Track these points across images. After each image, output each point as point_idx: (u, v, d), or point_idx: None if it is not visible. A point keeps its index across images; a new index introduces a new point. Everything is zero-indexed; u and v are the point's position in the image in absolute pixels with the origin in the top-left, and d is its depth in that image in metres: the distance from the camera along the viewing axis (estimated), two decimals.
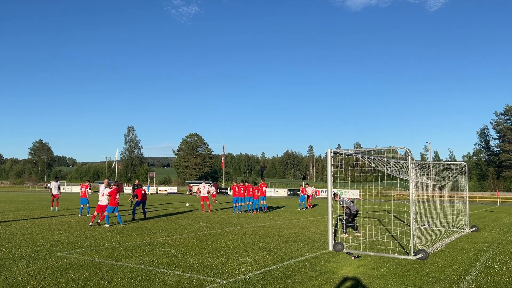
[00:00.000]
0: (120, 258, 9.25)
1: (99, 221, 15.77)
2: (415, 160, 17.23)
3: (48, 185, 24.27)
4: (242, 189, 22.66)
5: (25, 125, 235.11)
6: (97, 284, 6.93)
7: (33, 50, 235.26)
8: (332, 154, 10.81)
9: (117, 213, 15.84)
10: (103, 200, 15.92)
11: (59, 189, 23.20)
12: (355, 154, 11.31)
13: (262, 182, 24.72)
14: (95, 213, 16.05)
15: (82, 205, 20.42)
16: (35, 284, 6.86)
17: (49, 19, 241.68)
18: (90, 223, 15.75)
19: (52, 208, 23.31)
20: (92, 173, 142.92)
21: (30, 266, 8.27)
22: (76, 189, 71.23)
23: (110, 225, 15.44)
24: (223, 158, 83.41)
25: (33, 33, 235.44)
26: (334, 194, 13.70)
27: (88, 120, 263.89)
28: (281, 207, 29.69)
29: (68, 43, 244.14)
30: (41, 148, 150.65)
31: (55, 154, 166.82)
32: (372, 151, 11.51)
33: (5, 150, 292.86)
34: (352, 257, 9.66)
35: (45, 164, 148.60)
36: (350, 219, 13.16)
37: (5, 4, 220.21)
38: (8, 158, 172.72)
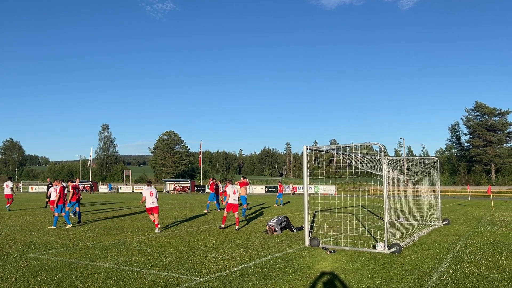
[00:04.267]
0: (94, 258, 9.09)
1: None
2: (389, 156, 17.56)
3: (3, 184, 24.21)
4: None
5: None
6: (71, 285, 6.80)
7: (3, 48, 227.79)
8: (308, 150, 10.90)
9: (63, 213, 15.23)
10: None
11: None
12: (330, 151, 11.43)
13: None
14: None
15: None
16: (5, 286, 6.67)
17: (19, 16, 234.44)
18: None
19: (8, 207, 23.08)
20: (66, 172, 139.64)
21: (0, 268, 8.03)
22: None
23: (73, 225, 15.11)
24: (200, 156, 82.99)
25: (3, 30, 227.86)
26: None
27: (61, 118, 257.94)
28: (260, 205, 29.78)
29: (39, 41, 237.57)
30: (11, 147, 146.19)
31: (26, 153, 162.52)
32: (348, 147, 11.66)
33: None
34: (328, 252, 9.78)
35: (16, 163, 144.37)
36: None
37: None
38: None
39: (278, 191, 30.52)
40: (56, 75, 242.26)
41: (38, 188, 75.00)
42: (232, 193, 14.65)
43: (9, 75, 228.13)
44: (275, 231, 13.10)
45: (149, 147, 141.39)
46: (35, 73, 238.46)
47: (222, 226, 14.60)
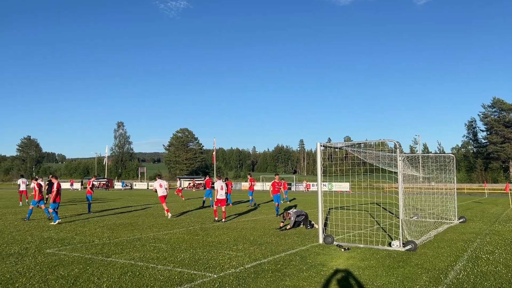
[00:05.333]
0: (110, 254, 9.21)
1: None
2: (404, 153, 17.38)
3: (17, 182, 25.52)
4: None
5: (13, 121, 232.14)
6: (87, 280, 6.90)
7: (20, 46, 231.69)
8: (322, 147, 10.85)
9: (43, 206, 15.92)
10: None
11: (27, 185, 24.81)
12: (344, 148, 11.36)
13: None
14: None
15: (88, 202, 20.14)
16: (24, 281, 6.81)
17: (35, 15, 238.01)
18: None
19: (21, 203, 24.39)
20: (82, 169, 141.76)
21: (18, 263, 8.20)
22: (66, 185, 70.63)
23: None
24: (214, 153, 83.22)
25: (20, 29, 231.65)
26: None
27: (77, 116, 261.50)
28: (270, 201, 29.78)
29: (56, 39, 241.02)
30: (29, 144, 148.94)
31: (44, 151, 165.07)
32: (362, 144, 11.57)
33: None
34: (342, 250, 9.73)
35: (33, 160, 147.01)
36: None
37: None
38: None
39: (283, 188, 30.09)
40: (72, 73, 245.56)
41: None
42: (220, 188, 15.80)
43: (26, 74, 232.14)
44: (290, 219, 13.28)
45: (163, 144, 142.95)
46: (52, 71, 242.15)
47: (216, 218, 16.00)
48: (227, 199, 23.75)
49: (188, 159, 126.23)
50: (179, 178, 45.12)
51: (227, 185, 23.80)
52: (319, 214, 11.03)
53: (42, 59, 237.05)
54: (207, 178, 26.15)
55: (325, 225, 12.48)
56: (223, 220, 15.69)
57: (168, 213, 16.94)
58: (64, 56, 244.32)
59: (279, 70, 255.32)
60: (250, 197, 24.96)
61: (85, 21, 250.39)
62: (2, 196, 40.28)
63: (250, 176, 26.96)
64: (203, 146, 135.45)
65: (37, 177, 17.97)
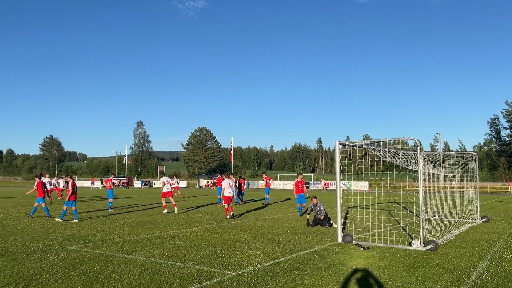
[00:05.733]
0: (130, 251, 9.35)
1: None
2: (425, 151, 17.09)
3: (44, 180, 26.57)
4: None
5: (36, 121, 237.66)
6: (108, 277, 7.02)
7: (42, 47, 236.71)
8: (341, 146, 10.76)
9: (43, 204, 16.16)
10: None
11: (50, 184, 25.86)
12: (363, 146, 11.24)
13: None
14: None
15: (110, 199, 20.52)
16: (47, 277, 6.96)
17: (54, 14, 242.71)
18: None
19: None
20: (102, 168, 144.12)
21: (42, 259, 8.39)
22: (87, 183, 71.94)
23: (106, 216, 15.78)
24: (232, 152, 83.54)
25: (40, 29, 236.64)
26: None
27: (97, 115, 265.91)
28: (288, 200, 29.72)
29: (76, 39, 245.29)
30: (51, 143, 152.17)
31: (65, 150, 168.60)
32: (381, 143, 11.42)
33: (17, 146, 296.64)
34: (361, 249, 9.64)
35: (56, 159, 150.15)
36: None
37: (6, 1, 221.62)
38: (20, 154, 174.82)
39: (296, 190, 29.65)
40: (93, 73, 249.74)
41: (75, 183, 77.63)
42: (227, 186, 16.52)
43: (49, 74, 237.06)
44: (318, 204, 13.68)
45: (182, 143, 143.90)
46: (73, 72, 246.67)
47: (227, 217, 16.18)
48: (241, 197, 24.33)
49: (206, 157, 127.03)
50: (198, 177, 45.43)
51: (240, 183, 24.37)
52: (338, 213, 10.95)
53: (64, 59, 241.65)
54: (218, 176, 26.39)
55: (344, 224, 12.40)
56: (227, 217, 16.16)
57: (175, 207, 18.84)
58: (87, 57, 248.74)
59: (297, 68, 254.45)
60: (266, 195, 24.93)
61: (105, 21, 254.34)
62: (25, 194, 41.21)
63: (266, 175, 27.10)
64: (221, 145, 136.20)
65: (41, 174, 18.50)
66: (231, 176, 24.09)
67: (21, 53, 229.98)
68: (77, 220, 15.21)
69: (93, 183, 68.36)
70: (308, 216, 14.19)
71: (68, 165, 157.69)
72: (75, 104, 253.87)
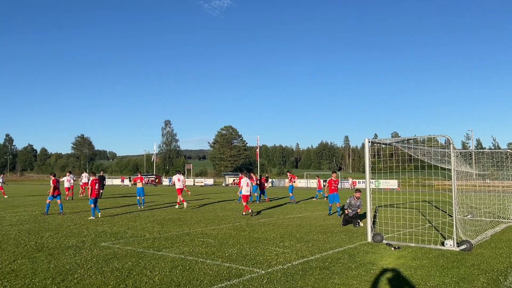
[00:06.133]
0: (161, 248, 9.50)
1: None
2: (457, 149, 16.62)
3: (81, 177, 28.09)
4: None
5: (68, 121, 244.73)
6: (140, 273, 7.15)
7: (73, 48, 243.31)
8: (370, 143, 10.59)
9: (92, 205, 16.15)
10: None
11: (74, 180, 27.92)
12: (393, 144, 11.02)
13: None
14: None
15: (139, 197, 20.98)
16: (82, 272, 7.16)
17: (85, 13, 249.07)
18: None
19: (67, 198, 26.23)
20: (131, 166, 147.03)
21: (76, 255, 8.64)
22: (117, 181, 73.57)
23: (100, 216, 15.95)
24: (258, 150, 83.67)
25: (72, 29, 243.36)
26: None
27: (127, 115, 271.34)
28: (312, 198, 29.51)
29: (105, 39, 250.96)
30: (83, 142, 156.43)
31: (96, 148, 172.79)
32: (412, 140, 11.17)
33: (50, 145, 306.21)
34: (392, 248, 9.47)
35: (87, 158, 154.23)
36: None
37: None
38: (53, 153, 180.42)
39: (318, 186, 29.52)
40: (121, 73, 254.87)
41: (106, 181, 79.58)
42: (245, 185, 17.10)
43: (80, 75, 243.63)
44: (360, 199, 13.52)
45: (208, 142, 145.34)
46: (103, 72, 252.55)
47: (244, 213, 16.85)
48: (263, 196, 24.89)
49: (233, 156, 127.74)
50: (225, 175, 45.79)
51: (261, 181, 24.78)
52: (368, 212, 10.79)
53: (94, 59, 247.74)
54: (240, 175, 26.64)
55: (373, 223, 12.20)
56: (244, 213, 16.81)
57: (184, 203, 20.28)
58: (116, 57, 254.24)
59: (323, 65, 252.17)
60: (290, 194, 24.87)
61: (132, 21, 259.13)
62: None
63: (290, 173, 27.12)
64: (246, 143, 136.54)
65: (54, 173, 19.06)
66: (251, 174, 24.41)
67: (51, 54, 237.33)
68: (93, 218, 15.60)
69: (122, 181, 69.82)
70: (346, 211, 13.90)
71: (99, 164, 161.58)
72: (105, 104, 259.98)
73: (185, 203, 20.31)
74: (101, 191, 29.38)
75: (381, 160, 12.71)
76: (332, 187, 16.89)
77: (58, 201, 17.22)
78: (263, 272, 7.27)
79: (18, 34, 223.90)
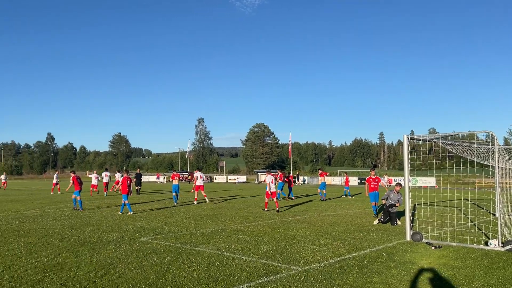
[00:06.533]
0: (198, 243, 9.64)
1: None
2: (500, 145, 15.93)
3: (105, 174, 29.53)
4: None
5: (105, 119, 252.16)
6: (179, 268, 7.28)
7: (109, 48, 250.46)
8: (409, 140, 10.31)
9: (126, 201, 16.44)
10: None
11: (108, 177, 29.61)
12: (434, 140, 10.68)
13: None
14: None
15: (175, 193, 21.46)
16: (123, 266, 7.37)
17: (113, 11, 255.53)
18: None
19: (105, 193, 28.29)
20: (166, 164, 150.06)
21: (117, 250, 8.90)
22: (153, 178, 75.28)
23: (133, 213, 16.33)
24: (290, 147, 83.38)
25: (106, 29, 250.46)
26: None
27: (161, 113, 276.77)
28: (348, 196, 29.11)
29: (138, 38, 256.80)
30: (119, 140, 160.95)
31: (132, 146, 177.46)
32: (453, 136, 10.78)
33: (89, 143, 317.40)
34: (432, 248, 9.21)
35: (123, 155, 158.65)
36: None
37: None
38: (91, 151, 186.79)
39: (345, 183, 29.06)
40: (156, 72, 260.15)
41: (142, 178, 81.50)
42: (271, 182, 17.64)
43: (115, 75, 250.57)
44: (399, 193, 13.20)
45: (240, 139, 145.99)
46: (139, 72, 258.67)
47: (265, 209, 17.45)
48: (290, 193, 25.25)
49: (265, 153, 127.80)
50: (257, 172, 45.97)
51: (289, 179, 25.87)
52: (407, 210, 10.53)
53: (129, 59, 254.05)
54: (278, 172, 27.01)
55: (412, 221, 11.90)
56: (277, 209, 17.25)
57: (206, 197, 21.67)
58: (150, 57, 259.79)
59: (356, 61, 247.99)
60: (320, 191, 24.67)
61: (163, 19, 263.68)
62: (98, 188, 43.86)
63: (321, 170, 26.96)
64: (279, 140, 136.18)
65: (74, 170, 20.43)
66: (278, 172, 24.78)
67: (91, 56, 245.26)
68: (131, 213, 16.14)
69: (158, 178, 71.38)
70: (383, 201, 13.66)
71: (135, 161, 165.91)
72: (141, 103, 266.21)
73: (207, 198, 21.72)
74: (138, 188, 30.31)
75: (419, 157, 12.37)
76: (372, 185, 15.94)
77: (78, 197, 17.78)
78: (299, 269, 7.23)
79: (52, 33, 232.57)
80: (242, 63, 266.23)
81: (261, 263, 7.69)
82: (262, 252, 8.70)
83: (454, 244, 9.61)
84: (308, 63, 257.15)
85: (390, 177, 54.83)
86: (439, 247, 9.29)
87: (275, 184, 18.06)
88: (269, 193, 17.58)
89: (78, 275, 6.78)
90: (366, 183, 16.21)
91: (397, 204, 13.14)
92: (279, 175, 24.69)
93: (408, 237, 10.23)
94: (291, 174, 28.78)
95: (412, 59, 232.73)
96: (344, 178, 29.86)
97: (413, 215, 14.90)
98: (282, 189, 24.28)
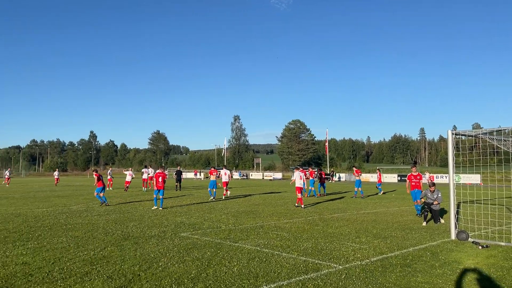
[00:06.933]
0: (237, 239, 9.72)
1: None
2: None
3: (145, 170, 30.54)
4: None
5: (145, 117, 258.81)
6: (219, 263, 7.37)
7: (150, 49, 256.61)
8: (454, 136, 9.93)
9: (161, 196, 16.85)
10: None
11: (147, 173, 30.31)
12: (481, 135, 10.23)
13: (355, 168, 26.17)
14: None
15: (210, 189, 22.19)
16: (165, 261, 7.54)
17: (158, 7, 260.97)
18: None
19: (144, 189, 29.38)
20: (203, 160, 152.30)
21: (159, 244, 9.12)
22: (190, 175, 76.59)
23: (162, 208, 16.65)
24: (327, 144, 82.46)
25: (146, 27, 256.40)
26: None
27: (198, 111, 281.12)
28: (388, 192, 28.42)
29: (180, 37, 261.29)
30: (158, 138, 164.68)
31: (170, 143, 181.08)
32: (501, 131, 10.28)
33: (129, 141, 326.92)
34: (479, 247, 8.84)
35: (162, 152, 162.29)
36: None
37: None
38: (132, 148, 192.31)
39: (378, 180, 28.32)
40: (192, 69, 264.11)
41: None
42: (298, 178, 17.97)
43: (153, 74, 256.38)
44: (436, 191, 12.74)
45: (276, 136, 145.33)
46: (174, 70, 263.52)
47: (296, 204, 17.90)
48: (323, 189, 25.61)
49: (300, 150, 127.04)
50: (292, 169, 45.87)
51: (321, 175, 26.15)
52: (451, 208, 10.16)
53: (169, 60, 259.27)
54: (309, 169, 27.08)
55: (457, 220, 11.48)
56: (302, 206, 17.38)
57: (228, 192, 23.10)
58: (189, 56, 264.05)
59: (395, 56, 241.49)
60: (356, 189, 24.20)
61: (201, 18, 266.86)
62: (138, 184, 45.09)
63: (356, 168, 26.57)
64: (315, 137, 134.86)
65: (97, 169, 21.74)
66: (309, 168, 24.91)
67: (131, 54, 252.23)
68: (156, 207, 16.68)
69: (195, 174, 72.53)
70: (422, 199, 13.35)
71: (173, 158, 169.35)
72: (178, 101, 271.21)
73: (228, 192, 23.37)
74: (178, 184, 30.98)
75: (463, 153, 11.89)
76: (413, 183, 15.06)
77: (101, 193, 18.37)
78: (340, 267, 7.14)
79: (96, 32, 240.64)
80: (277, 59, 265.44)
81: (300, 260, 7.65)
82: (302, 249, 8.66)
83: (503, 243, 9.19)
84: (343, 58, 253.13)
85: (431, 174, 53.11)
86: (487, 246, 8.91)
87: (303, 180, 18.17)
88: (298, 187, 17.83)
89: (123, 268, 7.00)
90: (407, 180, 15.53)
91: (435, 202, 12.66)
92: (309, 172, 24.71)
93: (453, 236, 9.87)
94: (323, 171, 28.73)
95: (455, 53, 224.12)
96: (377, 174, 29.26)
97: (457, 213, 14.37)
98: (313, 186, 24.30)
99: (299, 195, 17.81)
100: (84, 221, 13.05)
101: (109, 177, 33.14)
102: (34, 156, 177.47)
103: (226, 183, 23.13)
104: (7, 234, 10.42)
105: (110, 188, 31.31)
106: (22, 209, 17.01)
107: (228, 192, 23.24)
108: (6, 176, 43.66)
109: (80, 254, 8.10)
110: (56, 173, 42.58)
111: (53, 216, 14.31)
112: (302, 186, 17.94)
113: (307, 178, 22.71)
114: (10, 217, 14.17)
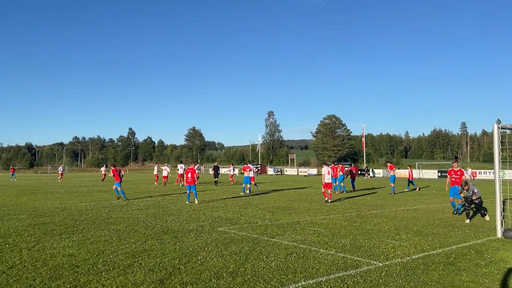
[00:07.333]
0: (273, 235, 9.73)
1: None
2: None
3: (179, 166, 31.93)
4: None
5: (181, 114, 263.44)
6: (257, 258, 7.41)
7: (184, 48, 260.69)
8: (500, 129, 9.50)
9: (193, 191, 17.11)
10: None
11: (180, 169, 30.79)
12: None
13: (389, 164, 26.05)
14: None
15: (245, 185, 22.57)
16: (204, 255, 7.66)
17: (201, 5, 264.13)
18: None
19: (181, 184, 29.72)
20: (238, 156, 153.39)
21: (198, 238, 9.27)
22: (224, 170, 77.38)
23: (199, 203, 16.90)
24: (363, 139, 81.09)
25: (182, 25, 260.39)
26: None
27: (233, 107, 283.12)
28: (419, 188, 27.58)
29: (213, 33, 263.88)
30: (194, 134, 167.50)
31: (206, 140, 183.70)
32: None
33: (166, 137, 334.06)
34: None
35: (198, 148, 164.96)
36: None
37: None
38: (169, 144, 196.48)
39: (409, 177, 27.34)
40: (227, 66, 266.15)
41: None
42: (327, 173, 17.89)
43: (190, 72, 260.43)
44: (471, 188, 12.37)
45: (310, 131, 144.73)
46: (209, 68, 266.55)
47: (326, 199, 17.94)
48: (353, 186, 25.70)
49: (336, 145, 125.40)
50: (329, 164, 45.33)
51: (351, 171, 26.38)
52: (497, 205, 9.74)
53: (206, 59, 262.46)
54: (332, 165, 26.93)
55: (503, 217, 10.99)
56: (329, 201, 17.71)
57: (257, 186, 25.10)
58: (221, 51, 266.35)
59: (434, 48, 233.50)
60: (392, 184, 23.76)
61: (235, 13, 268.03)
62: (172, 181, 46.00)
63: (390, 163, 26.08)
64: (351, 132, 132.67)
65: (114, 164, 22.43)
66: (339, 164, 24.72)
67: (169, 53, 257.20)
68: (189, 202, 17.03)
69: (229, 170, 73.22)
70: (461, 195, 13.12)
71: (209, 154, 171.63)
72: (213, 98, 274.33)
73: (257, 186, 25.25)
74: (215, 179, 31.40)
75: (510, 147, 11.34)
76: (453, 178, 14.13)
77: (119, 188, 18.88)
78: (380, 264, 7.01)
79: (126, 34, 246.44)
80: (312, 53, 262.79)
81: (339, 256, 7.57)
82: (340, 245, 8.56)
83: None
84: (380, 51, 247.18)
85: (474, 170, 51.17)
86: None
87: (331, 175, 18.23)
88: (324, 183, 17.99)
89: (163, 261, 7.17)
90: (448, 176, 14.66)
91: (474, 197, 12.20)
92: (340, 167, 24.39)
93: (499, 234, 9.47)
94: (353, 166, 28.59)
95: (497, 44, 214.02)
96: (408, 170, 28.48)
97: (503, 210, 13.76)
98: (343, 181, 23.98)
99: (328, 191, 17.98)
100: (125, 215, 13.46)
101: (165, 173, 32.36)
102: (77, 152, 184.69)
103: (253, 178, 23.86)
104: (53, 227, 10.91)
105: (164, 186, 30.63)
106: (67, 203, 17.75)
107: (257, 187, 25.17)
108: (60, 172, 45.85)
109: (122, 247, 8.36)
110: (103, 168, 43.82)
111: (96, 210, 14.84)
112: (330, 182, 18.07)
113: (336, 175, 22.46)
114: (56, 210, 14.82)
